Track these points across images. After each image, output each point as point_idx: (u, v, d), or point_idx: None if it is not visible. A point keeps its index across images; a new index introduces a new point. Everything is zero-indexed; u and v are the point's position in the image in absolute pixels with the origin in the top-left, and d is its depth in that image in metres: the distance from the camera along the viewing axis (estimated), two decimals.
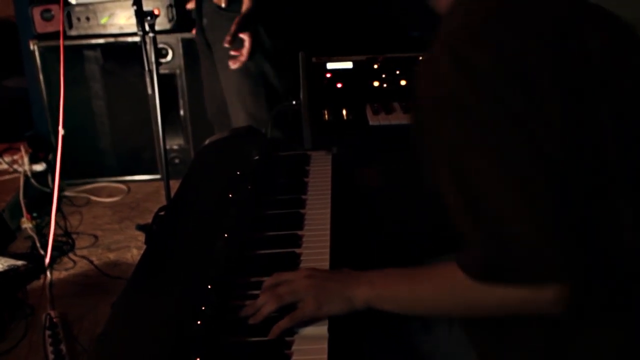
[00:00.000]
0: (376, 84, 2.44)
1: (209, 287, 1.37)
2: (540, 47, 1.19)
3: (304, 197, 1.83)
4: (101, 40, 3.88)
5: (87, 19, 3.85)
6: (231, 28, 2.92)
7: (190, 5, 3.33)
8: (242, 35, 2.92)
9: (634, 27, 1.32)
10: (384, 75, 2.44)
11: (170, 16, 3.84)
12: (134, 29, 3.13)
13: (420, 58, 1.29)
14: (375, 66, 2.43)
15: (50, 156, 3.81)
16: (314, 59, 2.40)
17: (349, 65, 2.43)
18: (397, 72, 2.44)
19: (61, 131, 3.12)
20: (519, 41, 1.19)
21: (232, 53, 2.94)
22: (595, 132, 1.18)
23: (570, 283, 1.11)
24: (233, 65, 2.95)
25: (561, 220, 1.11)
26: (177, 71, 3.91)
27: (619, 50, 1.27)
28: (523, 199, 1.11)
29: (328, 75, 2.42)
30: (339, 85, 2.43)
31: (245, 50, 2.93)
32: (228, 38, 2.90)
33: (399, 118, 2.36)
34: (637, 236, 1.18)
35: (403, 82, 2.44)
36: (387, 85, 2.44)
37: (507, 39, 1.19)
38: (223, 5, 3.10)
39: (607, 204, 1.17)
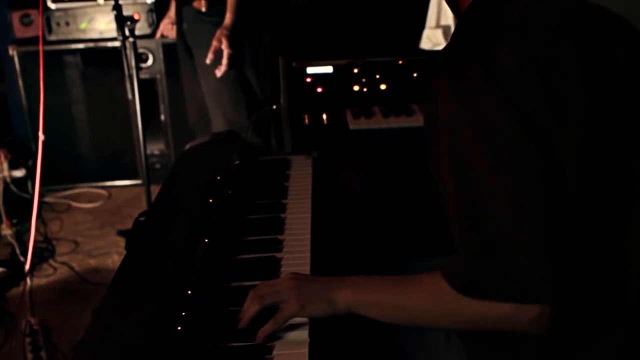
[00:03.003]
0: (356, 88, 2.44)
1: (189, 292, 1.37)
2: (567, 54, 1.16)
3: (284, 201, 1.83)
4: (81, 45, 3.87)
5: (67, 23, 3.84)
6: (213, 43, 2.96)
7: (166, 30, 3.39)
8: (222, 47, 2.95)
9: None
10: (364, 80, 2.44)
11: (151, 21, 3.83)
12: (114, 33, 3.14)
13: (437, 58, 1.24)
14: (355, 70, 2.43)
15: (30, 162, 3.78)
16: (294, 64, 2.40)
17: (329, 69, 2.43)
18: (377, 77, 2.44)
19: (41, 137, 3.10)
20: (545, 45, 1.16)
21: (208, 61, 2.97)
22: (614, 151, 1.16)
23: (553, 305, 1.11)
24: (218, 73, 2.99)
25: (554, 243, 1.10)
26: (158, 76, 3.90)
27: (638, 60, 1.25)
28: (520, 214, 1.09)
29: (308, 79, 2.42)
30: (319, 90, 2.43)
31: (225, 60, 2.96)
32: (210, 56, 2.95)
33: (379, 122, 2.36)
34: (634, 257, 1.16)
35: (383, 87, 2.45)
36: (367, 90, 2.44)
37: (532, 41, 1.16)
38: (203, 9, 3.11)
39: (609, 226, 1.15)
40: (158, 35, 3.65)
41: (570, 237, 1.11)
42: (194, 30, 3.21)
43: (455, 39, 1.25)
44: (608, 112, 1.16)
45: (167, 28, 3.55)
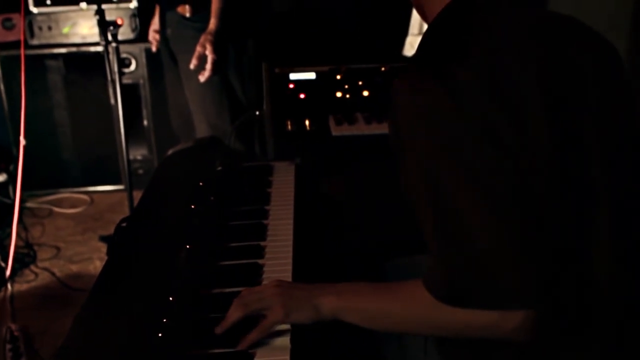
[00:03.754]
0: (339, 94, 2.45)
1: (171, 298, 1.37)
2: (527, 66, 1.18)
3: (267, 207, 1.83)
4: (63, 50, 3.86)
5: (49, 28, 3.83)
6: (197, 48, 2.96)
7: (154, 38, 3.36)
8: (206, 52, 2.96)
9: (616, 48, 1.31)
10: (346, 86, 2.45)
11: (134, 26, 3.83)
12: (97, 38, 3.13)
13: (400, 69, 1.26)
14: (338, 77, 2.44)
15: (12, 167, 3.76)
16: (277, 70, 2.41)
17: (311, 75, 2.44)
18: (360, 83, 2.45)
19: (22, 141, 3.09)
20: (505, 59, 1.17)
21: (192, 66, 2.98)
22: (579, 155, 1.18)
23: (536, 311, 1.12)
24: (201, 78, 2.99)
25: (531, 247, 1.11)
26: (141, 81, 3.90)
27: (605, 71, 1.26)
28: (495, 223, 1.10)
29: (291, 85, 2.43)
30: (302, 96, 2.43)
31: (209, 65, 2.96)
32: (194, 61, 2.95)
33: (361, 128, 2.37)
34: (612, 263, 1.18)
35: (366, 93, 2.46)
36: (349, 96, 2.45)
37: (493, 56, 1.18)
38: (187, 14, 3.11)
39: (583, 230, 1.17)
40: (150, 37, 3.57)
41: (545, 242, 1.12)
42: (178, 36, 3.21)
43: (417, 53, 1.27)
44: (568, 121, 1.18)
45: (154, 37, 3.50)
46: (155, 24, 3.35)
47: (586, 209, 1.18)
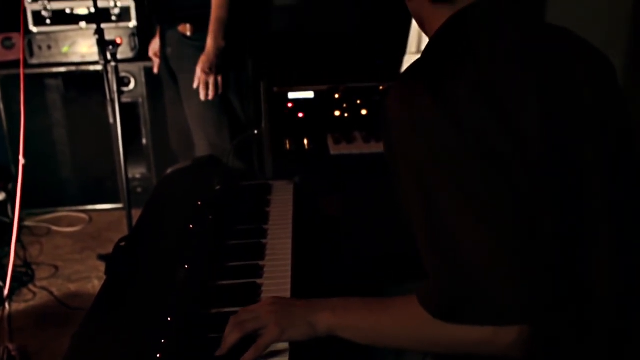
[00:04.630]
0: (337, 113, 2.46)
1: (169, 318, 1.37)
2: (523, 79, 1.18)
3: (265, 227, 1.83)
4: (63, 69, 3.87)
5: (49, 47, 3.84)
6: (197, 70, 2.98)
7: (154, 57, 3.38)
8: (207, 71, 2.98)
9: (609, 59, 1.31)
10: (345, 105, 2.46)
11: (133, 45, 3.84)
12: (96, 57, 3.13)
13: (393, 83, 1.24)
14: (337, 96, 2.45)
15: (10, 185, 3.76)
16: (275, 89, 2.41)
17: (310, 95, 2.45)
18: (358, 102, 2.46)
19: (22, 160, 3.08)
20: (501, 73, 1.17)
21: (195, 85, 3.00)
22: (576, 168, 1.18)
23: (530, 325, 1.11)
24: (203, 96, 3.01)
25: (526, 262, 1.10)
26: (140, 100, 3.91)
27: (600, 82, 1.27)
28: (489, 239, 1.10)
29: (289, 104, 2.43)
30: (301, 115, 2.44)
31: (211, 85, 2.99)
32: (197, 80, 2.98)
33: (360, 147, 2.38)
34: (611, 277, 1.17)
35: (364, 112, 2.46)
36: (348, 115, 2.46)
37: (490, 69, 1.18)
38: (188, 34, 3.13)
39: (581, 244, 1.17)
40: (151, 53, 3.56)
41: (541, 257, 1.12)
42: (178, 54, 3.22)
43: (409, 68, 1.26)
44: (566, 133, 1.18)
45: (155, 58, 3.49)
46: (155, 44, 3.36)
47: (584, 222, 1.17)
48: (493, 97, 1.15)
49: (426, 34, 1.36)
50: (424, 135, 1.15)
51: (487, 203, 1.12)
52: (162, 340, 1.30)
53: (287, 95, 2.43)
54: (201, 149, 3.23)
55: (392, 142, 1.20)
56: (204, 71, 3.00)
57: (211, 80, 3.01)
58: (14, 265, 3.08)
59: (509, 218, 1.12)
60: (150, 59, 3.49)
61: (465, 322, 1.14)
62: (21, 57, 3.18)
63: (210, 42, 3.00)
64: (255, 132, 2.37)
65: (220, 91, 3.06)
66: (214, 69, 3.00)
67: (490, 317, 1.12)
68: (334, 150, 2.36)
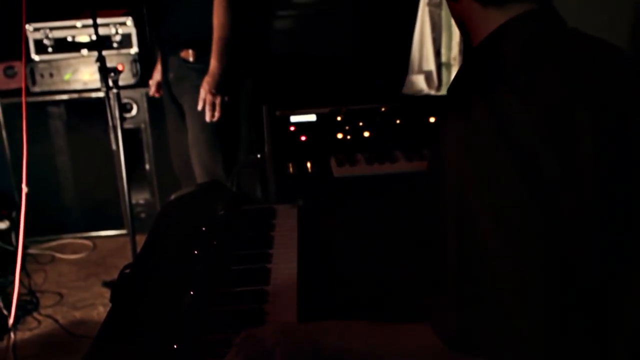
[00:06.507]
0: (340, 135, 2.46)
1: (175, 346, 1.36)
2: (578, 100, 1.11)
3: (270, 251, 1.82)
4: (65, 96, 3.89)
5: (51, 75, 3.86)
6: (201, 91, 3.00)
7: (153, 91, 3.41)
8: (210, 94, 3.00)
9: None
10: (347, 127, 2.46)
11: (135, 71, 3.86)
12: (98, 84, 3.15)
13: (447, 94, 1.19)
14: (339, 118, 2.45)
15: (14, 214, 3.76)
16: (277, 112, 2.41)
17: (312, 117, 2.44)
18: (361, 124, 2.46)
19: (25, 189, 3.09)
20: (555, 91, 1.12)
21: (200, 108, 3.02)
22: (622, 212, 1.12)
23: None
24: (208, 118, 3.04)
25: (550, 306, 1.07)
26: (142, 125, 3.92)
27: None
28: (521, 280, 1.06)
29: (292, 128, 2.43)
30: (303, 138, 2.44)
31: (217, 106, 3.01)
32: (201, 103, 3.00)
33: (363, 169, 2.37)
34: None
35: (366, 134, 2.46)
36: (350, 137, 2.46)
37: (543, 86, 1.12)
38: (191, 59, 3.14)
39: (610, 295, 1.12)
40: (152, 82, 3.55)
41: (568, 300, 1.08)
42: (180, 79, 3.24)
43: (461, 79, 1.22)
44: (619, 167, 1.12)
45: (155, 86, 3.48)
46: (157, 71, 3.37)
47: (619, 272, 1.12)
48: (549, 121, 1.10)
49: (467, 37, 1.30)
50: (475, 157, 1.09)
51: (520, 240, 1.07)
52: None
53: (289, 119, 2.43)
54: (198, 175, 3.24)
55: (440, 156, 1.14)
56: (209, 92, 3.00)
57: (217, 101, 3.02)
58: (19, 294, 3.08)
59: (540, 259, 1.07)
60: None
61: (479, 355, 1.09)
62: (23, 85, 3.20)
63: (214, 62, 3.01)
64: (258, 155, 2.36)
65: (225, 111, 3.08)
66: (219, 89, 3.01)
67: (506, 354, 1.08)
68: (337, 172, 2.36)
